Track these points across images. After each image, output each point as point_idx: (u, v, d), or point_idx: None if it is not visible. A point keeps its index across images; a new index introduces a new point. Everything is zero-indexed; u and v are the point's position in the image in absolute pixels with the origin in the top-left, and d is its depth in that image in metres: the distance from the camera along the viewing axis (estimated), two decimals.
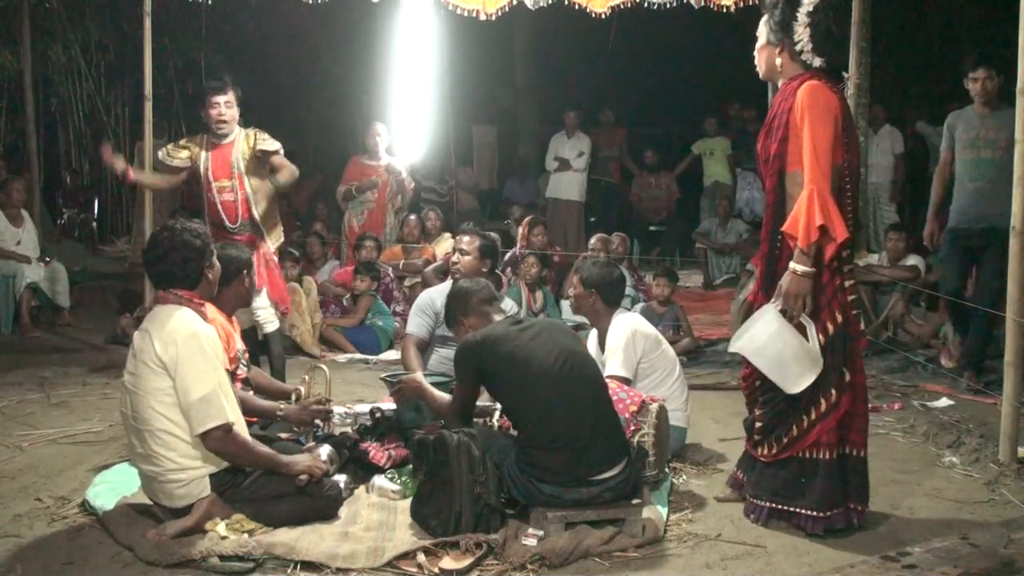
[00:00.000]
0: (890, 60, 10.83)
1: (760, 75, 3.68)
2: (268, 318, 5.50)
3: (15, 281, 7.49)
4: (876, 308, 7.50)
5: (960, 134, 5.82)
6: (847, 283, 3.43)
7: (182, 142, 5.57)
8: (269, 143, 5.49)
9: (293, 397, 4.14)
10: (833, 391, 3.41)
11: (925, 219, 8.82)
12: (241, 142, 5.46)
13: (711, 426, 5.00)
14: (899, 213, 9.99)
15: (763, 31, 3.59)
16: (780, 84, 3.57)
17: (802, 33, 3.44)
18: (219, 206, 5.41)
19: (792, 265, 3.31)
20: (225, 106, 5.46)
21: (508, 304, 5.14)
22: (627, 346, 4.27)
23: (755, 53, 3.64)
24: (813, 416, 3.44)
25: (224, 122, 5.45)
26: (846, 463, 3.49)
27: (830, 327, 3.39)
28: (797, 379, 3.37)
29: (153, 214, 6.57)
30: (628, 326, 4.34)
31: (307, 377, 4.31)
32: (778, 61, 3.53)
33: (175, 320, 3.30)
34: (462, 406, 3.74)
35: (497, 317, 3.79)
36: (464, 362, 3.60)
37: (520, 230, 8.19)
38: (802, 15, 3.42)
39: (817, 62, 3.47)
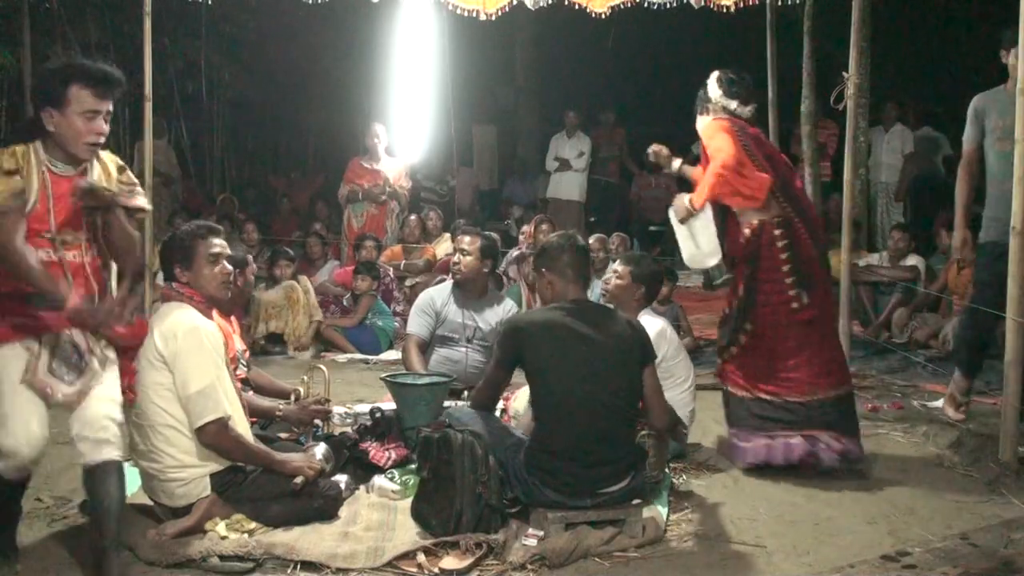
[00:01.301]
0: (889, 60, 10.84)
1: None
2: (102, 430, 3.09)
3: None
4: (876, 308, 7.51)
5: (995, 122, 4.82)
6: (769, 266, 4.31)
7: (6, 156, 3.09)
8: (139, 196, 3.35)
9: (292, 397, 4.14)
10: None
11: (926, 219, 8.85)
12: (97, 170, 3.25)
13: (711, 426, 5.00)
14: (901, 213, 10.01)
15: (698, 118, 4.76)
16: None
17: (716, 92, 4.62)
18: (57, 270, 3.10)
19: (686, 199, 4.60)
20: (106, 119, 3.18)
21: (509, 304, 5.15)
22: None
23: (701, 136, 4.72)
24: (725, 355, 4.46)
25: (98, 146, 3.20)
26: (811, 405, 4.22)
27: (739, 293, 4.39)
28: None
29: (153, 214, 6.54)
30: (656, 327, 4.31)
31: (306, 377, 4.31)
32: (702, 123, 4.68)
33: (176, 315, 3.33)
34: (492, 386, 3.71)
35: (572, 289, 3.63)
36: (506, 341, 3.59)
37: (528, 229, 8.25)
38: (712, 84, 4.65)
39: (733, 104, 4.57)
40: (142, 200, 3.38)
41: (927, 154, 10.21)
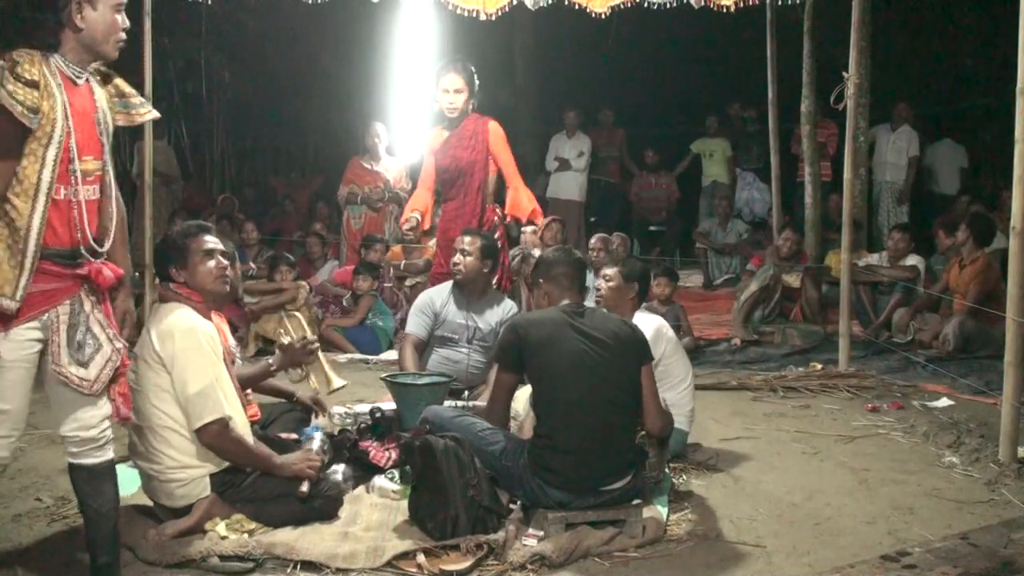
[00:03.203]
0: (889, 60, 10.84)
1: (457, 115, 5.48)
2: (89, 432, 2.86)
3: None
4: (876, 308, 7.51)
5: None
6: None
7: (25, 62, 2.71)
8: (143, 105, 3.13)
9: (276, 348, 4.12)
10: None
11: (926, 219, 8.83)
12: (96, 85, 2.94)
13: (711, 426, 5.00)
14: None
15: (463, 84, 5.47)
16: (456, 126, 5.49)
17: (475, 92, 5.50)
18: (83, 210, 2.80)
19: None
20: None
21: (509, 304, 5.15)
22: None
23: (455, 99, 5.44)
24: None
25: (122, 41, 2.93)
26: None
27: None
28: None
29: (153, 214, 6.52)
30: (654, 325, 4.32)
31: (283, 329, 4.26)
32: (469, 106, 5.47)
33: (173, 316, 3.32)
34: (501, 394, 3.66)
35: (568, 296, 3.68)
36: (505, 343, 3.60)
37: (530, 236, 8.24)
38: (476, 81, 5.49)
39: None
40: (143, 108, 3.11)
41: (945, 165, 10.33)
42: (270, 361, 4.03)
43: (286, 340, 4.12)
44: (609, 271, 4.50)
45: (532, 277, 3.97)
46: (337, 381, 4.16)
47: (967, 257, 6.93)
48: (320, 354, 4.11)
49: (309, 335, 4.11)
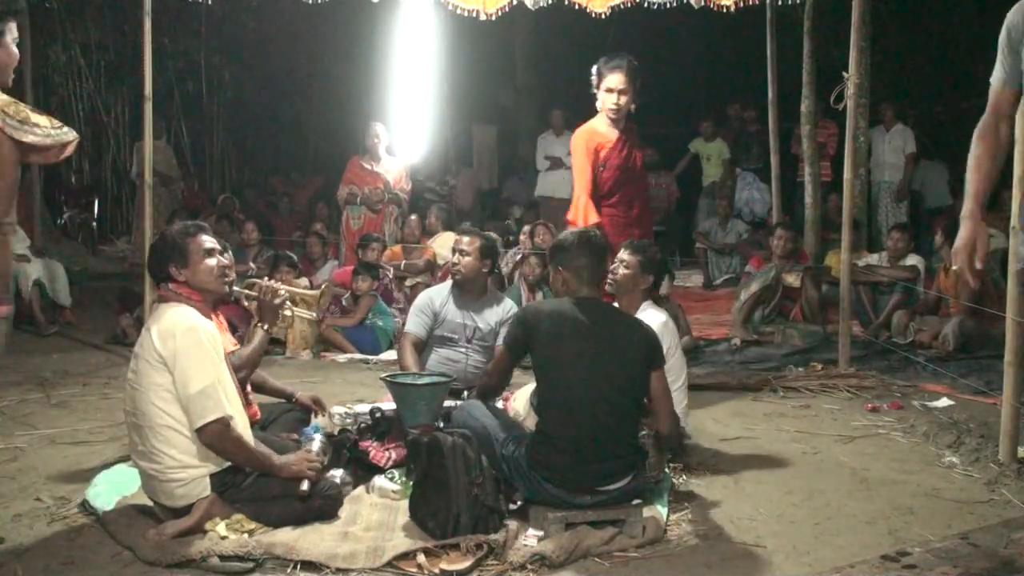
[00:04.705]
0: (889, 59, 10.85)
1: (618, 116, 5.41)
2: None
3: (17, 281, 7.49)
4: (876, 308, 7.51)
5: None
6: None
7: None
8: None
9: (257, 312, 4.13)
10: None
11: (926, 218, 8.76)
12: None
13: (711, 426, 5.01)
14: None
15: (626, 84, 5.38)
16: (621, 127, 5.47)
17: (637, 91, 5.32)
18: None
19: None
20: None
21: (508, 304, 5.15)
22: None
23: (619, 99, 5.34)
24: None
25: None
26: None
27: None
28: None
29: (153, 214, 6.52)
30: (661, 319, 4.30)
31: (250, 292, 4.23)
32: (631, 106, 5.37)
33: (173, 315, 3.33)
34: (499, 371, 3.74)
35: (585, 290, 3.65)
36: (515, 328, 3.62)
37: (522, 237, 8.32)
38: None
39: None
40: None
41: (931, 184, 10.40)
42: (259, 324, 4.00)
43: (253, 304, 4.14)
44: (628, 257, 4.45)
45: (551, 260, 3.85)
46: (312, 291, 4.26)
47: (948, 261, 6.96)
48: (284, 289, 4.12)
49: (265, 282, 4.10)
